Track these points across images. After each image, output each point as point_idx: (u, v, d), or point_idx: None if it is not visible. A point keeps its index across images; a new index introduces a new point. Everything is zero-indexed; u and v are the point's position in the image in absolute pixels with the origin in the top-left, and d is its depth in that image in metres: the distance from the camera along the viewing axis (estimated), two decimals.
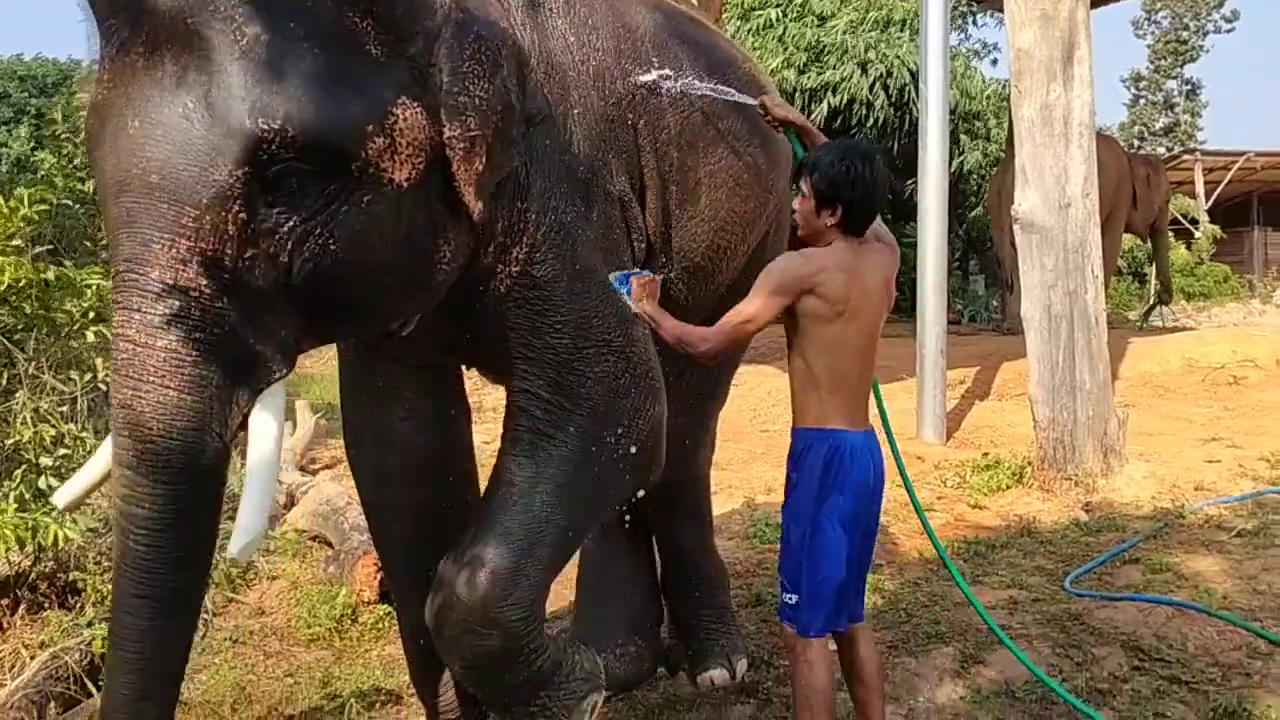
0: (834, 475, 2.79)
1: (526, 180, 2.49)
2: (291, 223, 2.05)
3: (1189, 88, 42.01)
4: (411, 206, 2.21)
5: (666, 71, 2.89)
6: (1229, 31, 41.49)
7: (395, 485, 2.94)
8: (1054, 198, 6.22)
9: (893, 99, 18.08)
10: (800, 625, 2.80)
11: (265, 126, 1.97)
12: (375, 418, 2.93)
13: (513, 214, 2.49)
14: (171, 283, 1.97)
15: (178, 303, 1.98)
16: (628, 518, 3.69)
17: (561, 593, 4.51)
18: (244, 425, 2.13)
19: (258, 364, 2.10)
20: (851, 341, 2.79)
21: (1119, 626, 3.89)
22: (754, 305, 2.75)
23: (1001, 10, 6.94)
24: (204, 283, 1.99)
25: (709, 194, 3.04)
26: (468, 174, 2.27)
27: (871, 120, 18.12)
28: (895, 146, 18.64)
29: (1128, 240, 16.39)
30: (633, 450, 2.70)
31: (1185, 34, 41.37)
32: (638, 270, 2.84)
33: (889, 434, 3.39)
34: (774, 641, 3.88)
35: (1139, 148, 33.03)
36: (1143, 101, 42.30)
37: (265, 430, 2.17)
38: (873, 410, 2.98)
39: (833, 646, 2.92)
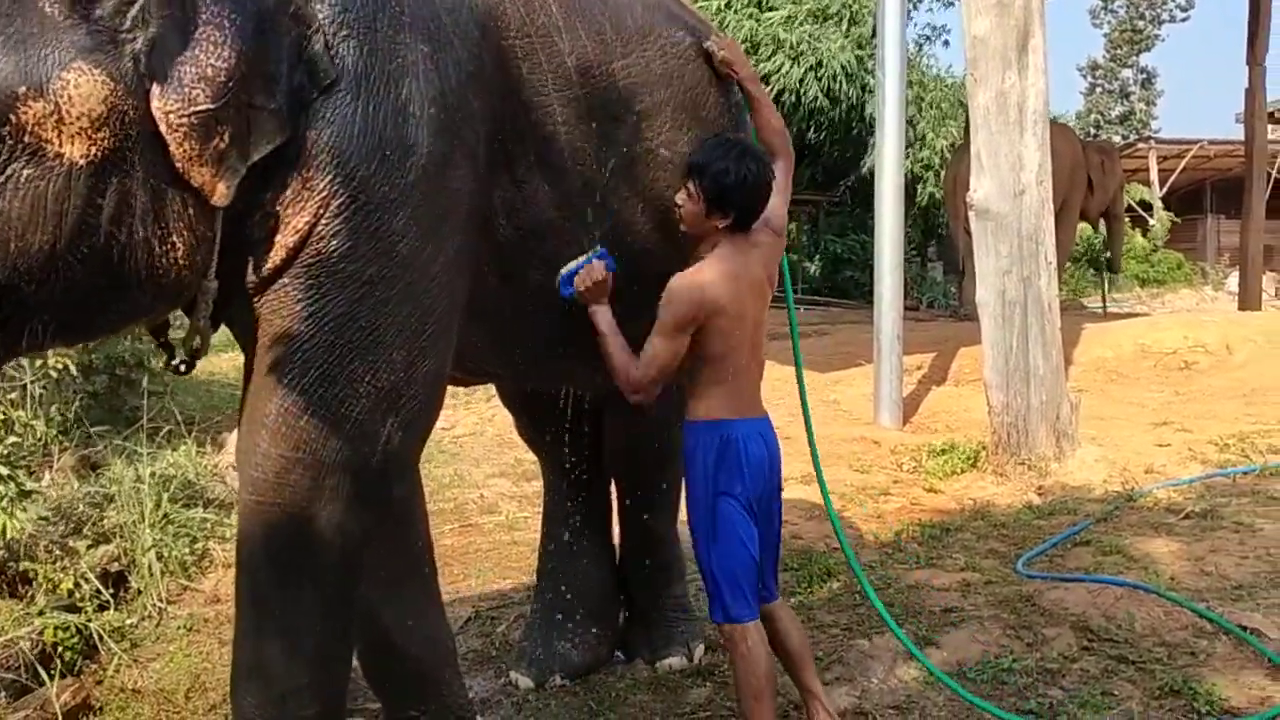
0: (726, 464, 2.80)
1: (317, 142, 2.18)
2: None
3: (1144, 76, 42.53)
4: (98, 188, 1.92)
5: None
6: (1184, 20, 42.01)
7: None
8: (1009, 185, 6.27)
9: (825, 90, 18.39)
10: (727, 613, 2.82)
11: None
12: None
13: (292, 180, 2.18)
14: None
15: None
16: (588, 504, 3.71)
17: (521, 580, 4.53)
18: None
19: None
20: (736, 336, 2.79)
21: (1069, 608, 3.94)
22: (663, 348, 2.75)
23: None
24: None
25: (649, 171, 2.90)
26: (199, 155, 2.01)
27: (801, 111, 18.45)
28: (835, 136, 19.01)
29: (1084, 228, 16.56)
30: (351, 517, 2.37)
31: (1141, 23, 41.83)
32: (594, 255, 2.74)
33: (807, 423, 3.47)
34: None
35: (1095, 136, 33.31)
36: (1099, 90, 42.72)
37: None
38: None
39: None
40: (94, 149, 1.90)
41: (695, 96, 3.01)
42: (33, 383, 4.51)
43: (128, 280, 2.03)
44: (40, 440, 5.28)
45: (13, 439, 4.36)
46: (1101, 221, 15.38)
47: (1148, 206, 24.13)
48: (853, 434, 7.23)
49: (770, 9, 18.95)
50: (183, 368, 2.36)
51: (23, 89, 1.83)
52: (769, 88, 18.14)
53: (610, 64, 2.76)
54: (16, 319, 1.96)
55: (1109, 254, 16.37)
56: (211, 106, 2.00)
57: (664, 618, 3.73)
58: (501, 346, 2.88)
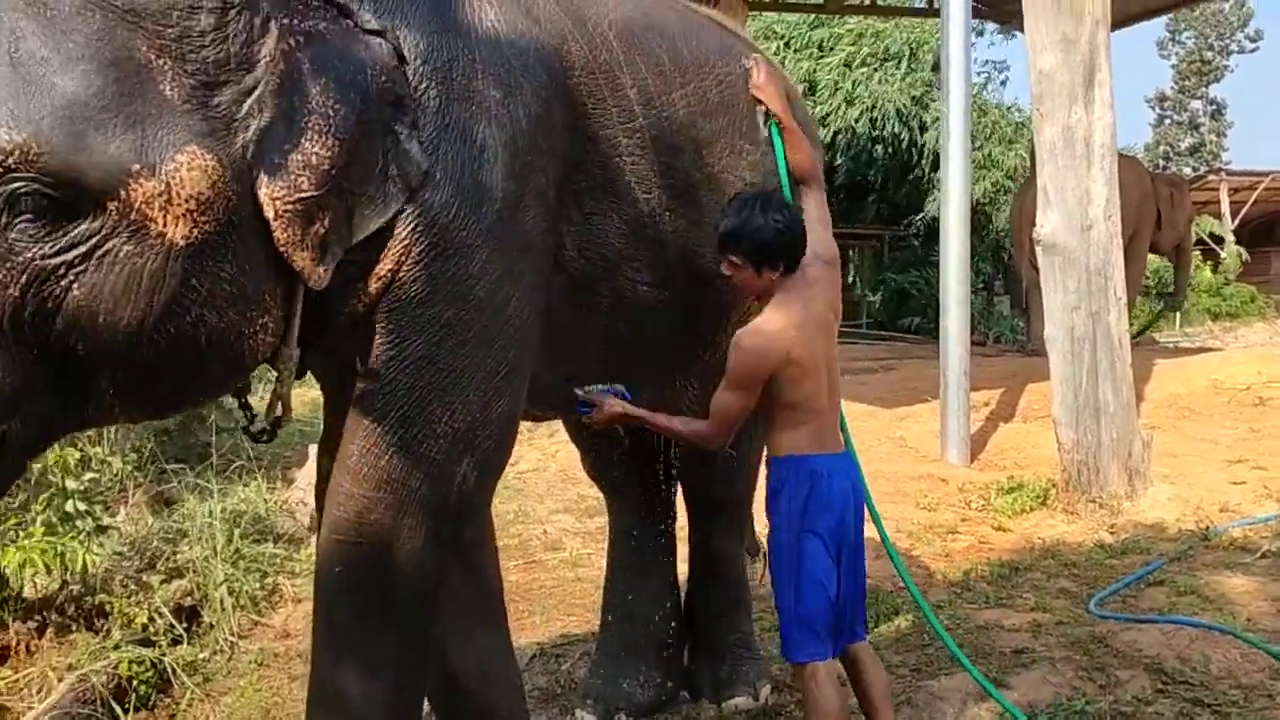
0: (813, 500, 2.79)
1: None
2: (30, 254, 1.83)
3: (1214, 108, 41.93)
4: (193, 270, 1.96)
5: None
6: (1253, 51, 41.48)
7: None
8: (1076, 219, 6.21)
9: (880, 131, 18.50)
10: (800, 653, 2.81)
11: (6, 137, 1.80)
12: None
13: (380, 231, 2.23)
14: None
15: None
16: (654, 540, 3.70)
17: (586, 618, 4.53)
18: None
19: None
20: (811, 379, 2.81)
21: (1143, 649, 3.86)
22: (734, 401, 2.80)
23: (1021, 28, 6.94)
24: None
25: (710, 197, 2.95)
26: (300, 240, 2.07)
27: (859, 151, 18.57)
28: (887, 178, 19.09)
29: (1154, 261, 16.33)
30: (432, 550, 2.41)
31: (1209, 54, 41.30)
32: (612, 390, 2.86)
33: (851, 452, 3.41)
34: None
35: (1164, 168, 32.89)
36: (1167, 122, 42.19)
37: None
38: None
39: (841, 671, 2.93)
40: (196, 231, 1.94)
41: (751, 122, 3.08)
42: None
43: (209, 360, 2.08)
44: (116, 476, 5.39)
45: (90, 475, 4.47)
46: (1172, 257, 15.13)
47: (1219, 240, 23.72)
48: (919, 471, 7.15)
49: (830, 51, 19.11)
50: (264, 435, 2.40)
51: (136, 166, 1.88)
52: (825, 129, 18.32)
53: (669, 94, 2.83)
54: (94, 391, 2.00)
55: (1173, 287, 16.10)
56: (315, 193, 2.06)
57: (730, 655, 3.70)
58: (571, 377, 2.90)
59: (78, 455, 4.42)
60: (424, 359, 2.30)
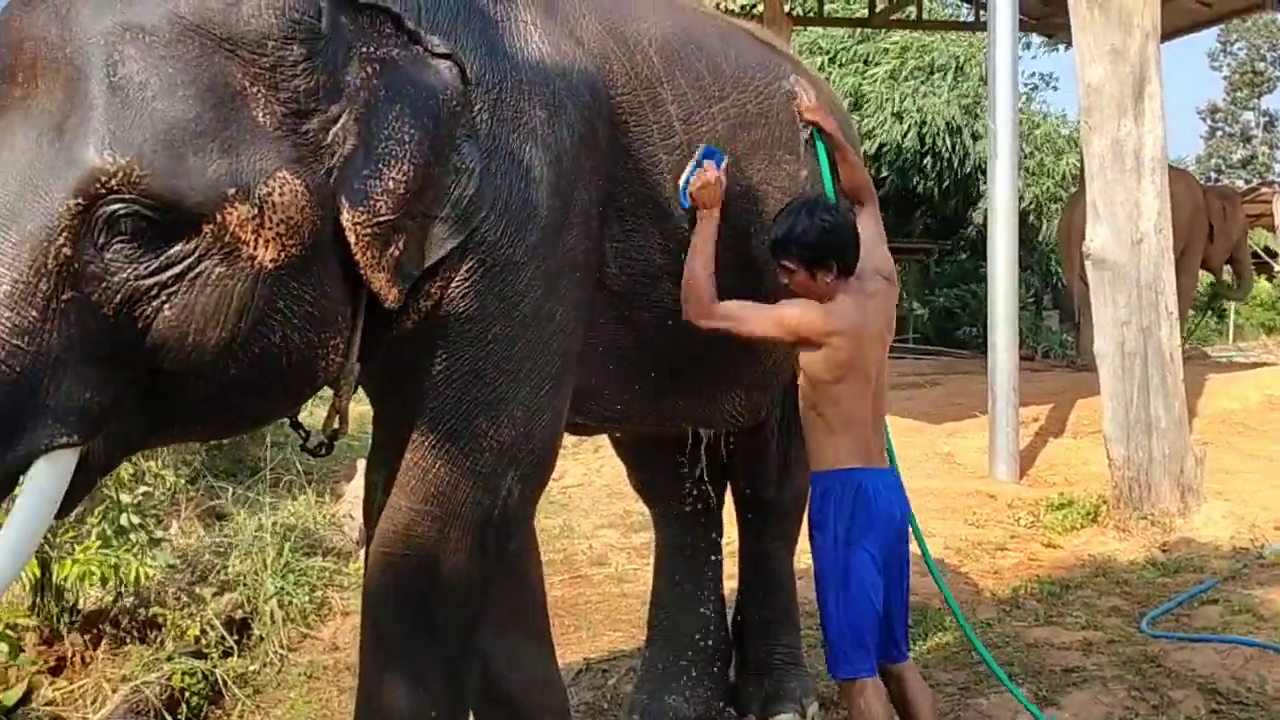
0: (858, 514, 2.79)
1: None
2: (125, 275, 1.88)
3: (1266, 119, 41.32)
4: (279, 292, 2.01)
5: None
6: None
7: None
8: (1126, 233, 6.15)
9: (928, 145, 18.41)
10: (847, 668, 2.80)
11: (110, 159, 1.83)
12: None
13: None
14: None
15: None
16: (701, 555, 3.70)
17: (632, 633, 4.53)
18: (4, 494, 1.91)
19: (42, 422, 1.85)
20: (859, 387, 2.82)
21: (1196, 669, 3.81)
22: (760, 325, 2.80)
23: (1068, 42, 6.90)
24: (5, 314, 1.80)
25: (751, 206, 2.97)
26: (378, 262, 2.12)
27: (906, 164, 18.49)
28: (929, 188, 18.98)
29: (1205, 275, 16.10)
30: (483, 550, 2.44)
31: (1262, 65, 40.73)
32: (702, 156, 2.74)
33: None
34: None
35: (1216, 181, 32.43)
36: (1219, 134, 41.65)
37: (43, 487, 1.90)
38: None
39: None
40: (283, 254, 1.99)
41: (791, 133, 3.10)
42: None
43: (288, 379, 2.13)
44: (169, 490, 5.47)
45: (143, 489, 4.54)
46: (1226, 268, 14.90)
47: (1272, 254, 23.33)
48: (968, 487, 7.09)
49: (875, 64, 19.06)
50: (322, 450, 2.44)
51: (231, 190, 1.93)
52: (872, 142, 18.27)
53: (709, 109, 2.85)
54: (177, 410, 2.05)
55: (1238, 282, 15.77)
56: (392, 217, 2.11)
57: (776, 669, 3.69)
58: (618, 390, 2.92)
59: (131, 469, 4.48)
60: (471, 374, 2.34)
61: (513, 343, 2.37)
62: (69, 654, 4.11)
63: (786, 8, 13.01)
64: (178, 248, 1.91)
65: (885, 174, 19.22)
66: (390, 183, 2.10)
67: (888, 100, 18.65)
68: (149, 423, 2.05)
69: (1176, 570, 5.20)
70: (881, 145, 18.57)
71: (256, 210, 1.95)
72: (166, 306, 1.91)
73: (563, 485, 7.76)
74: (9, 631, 3.78)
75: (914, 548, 2.96)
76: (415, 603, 2.41)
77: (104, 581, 4.04)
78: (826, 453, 2.85)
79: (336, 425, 2.39)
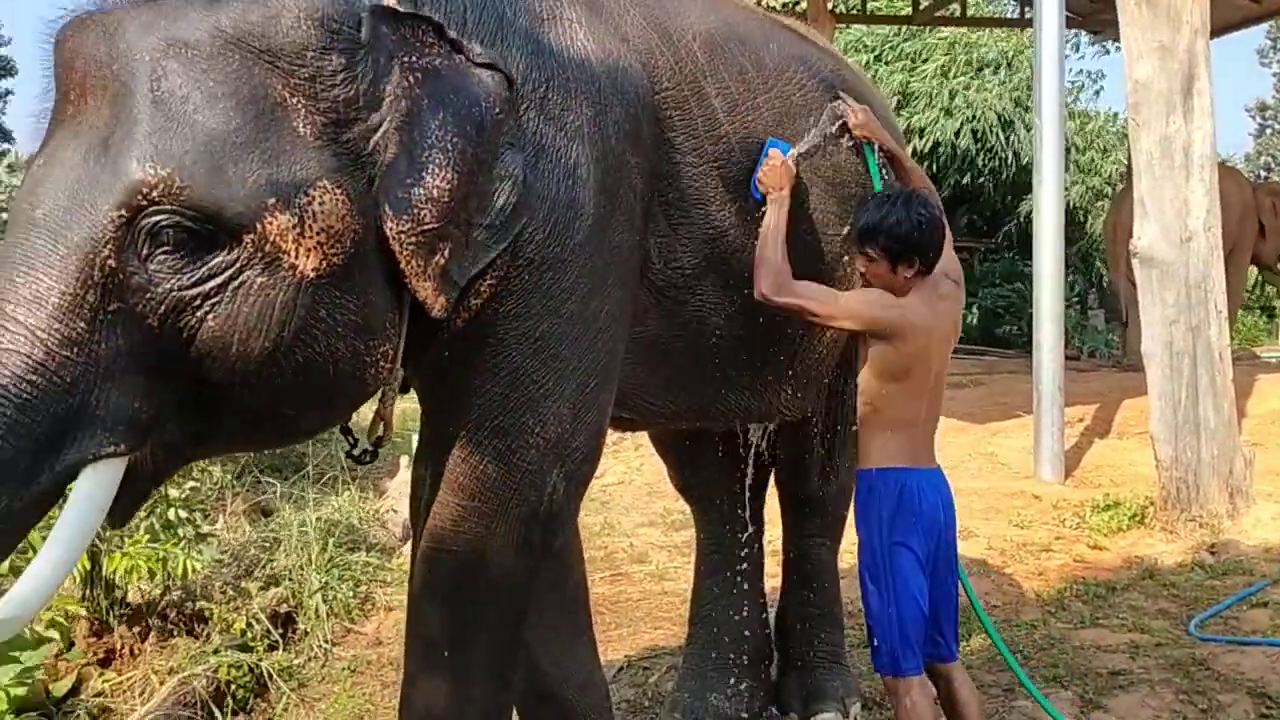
0: (903, 513, 2.77)
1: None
2: (168, 285, 1.91)
3: None
4: (321, 301, 2.03)
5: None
6: None
7: None
8: (1174, 231, 6.07)
9: (980, 141, 18.21)
10: (893, 666, 2.78)
11: (151, 171, 1.88)
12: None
13: None
14: (20, 318, 1.83)
15: (21, 338, 1.82)
16: (743, 553, 3.70)
17: (673, 631, 4.53)
18: (52, 502, 1.92)
19: (90, 431, 1.88)
20: (919, 386, 2.80)
21: (1246, 673, 3.76)
22: (833, 309, 2.78)
23: (1115, 39, 6.82)
24: (55, 325, 1.83)
25: (798, 194, 2.90)
26: (424, 270, 2.13)
27: (955, 164, 18.31)
28: (981, 185, 18.77)
29: (1255, 274, 15.86)
30: (533, 537, 2.45)
31: None
32: (767, 147, 2.77)
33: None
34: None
35: (1265, 179, 31.93)
36: (1269, 131, 40.99)
37: (90, 495, 1.92)
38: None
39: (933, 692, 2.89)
40: (325, 263, 2.01)
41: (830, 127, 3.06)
42: None
43: (334, 389, 2.15)
44: (216, 485, 5.54)
45: (191, 484, 4.59)
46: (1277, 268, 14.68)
47: None
48: (1012, 488, 7.03)
49: (923, 61, 18.92)
50: (367, 457, 2.46)
51: (271, 200, 1.96)
52: (923, 139, 18.11)
53: (754, 99, 2.85)
54: (224, 420, 2.08)
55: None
56: (436, 225, 2.12)
57: (818, 668, 3.67)
58: (663, 385, 2.92)
59: None
60: (518, 371, 2.35)
61: (559, 340, 2.38)
62: (118, 646, 4.18)
63: (829, 5, 12.95)
64: (219, 258, 1.94)
65: (937, 171, 19.07)
66: (435, 191, 2.11)
67: (938, 96, 18.49)
68: (196, 433, 2.08)
69: (1225, 573, 5.13)
70: (937, 143, 18.42)
71: (297, 219, 1.97)
72: (210, 317, 1.93)
73: (604, 483, 7.77)
74: (60, 623, 3.84)
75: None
76: (460, 598, 2.43)
77: (152, 575, 4.10)
78: (875, 450, 2.84)
79: (381, 431, 2.40)
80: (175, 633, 4.29)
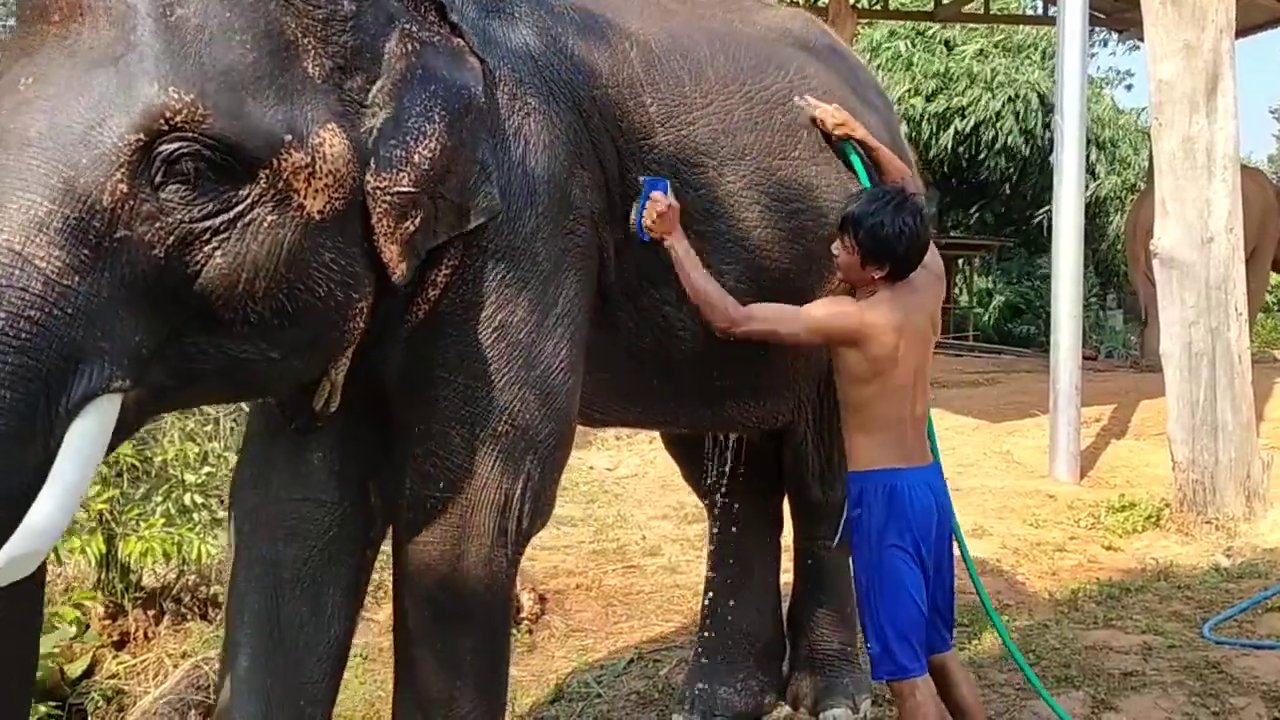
0: (894, 514, 2.76)
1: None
2: (179, 216, 1.86)
3: None
4: (321, 246, 2.03)
5: None
6: None
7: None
8: (1196, 232, 6.04)
9: (1021, 122, 18.10)
10: (895, 669, 2.78)
11: (175, 96, 1.81)
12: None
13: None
14: (16, 247, 1.73)
15: (17, 271, 1.73)
16: (754, 549, 3.69)
17: (684, 624, 4.54)
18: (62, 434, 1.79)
19: (97, 364, 1.80)
20: (899, 384, 2.77)
21: (1260, 676, 3.74)
22: (790, 325, 2.75)
23: (1140, 36, 6.78)
24: (56, 254, 1.75)
25: (737, 212, 2.85)
26: (393, 232, 2.12)
27: (998, 145, 18.18)
28: (1019, 173, 18.64)
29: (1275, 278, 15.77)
30: (512, 532, 2.45)
31: None
32: (646, 188, 2.63)
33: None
34: None
35: None
36: None
37: (92, 430, 1.82)
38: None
39: None
40: (329, 206, 2.01)
41: (784, 139, 2.96)
42: (225, 416, 4.77)
43: (317, 337, 2.13)
44: (231, 471, 5.54)
45: (207, 469, 4.60)
46: None
47: None
48: (1027, 487, 7.01)
49: (960, 44, 18.86)
50: (305, 426, 2.42)
51: (288, 137, 1.95)
52: (964, 120, 18.01)
53: (689, 114, 2.76)
54: (207, 360, 2.01)
55: None
56: (412, 190, 2.12)
57: (829, 665, 3.67)
58: (621, 394, 2.90)
59: (196, 450, 4.56)
60: (480, 361, 2.35)
61: (519, 329, 2.38)
62: (132, 629, 4.20)
63: (851, 2, 12.88)
64: (234, 192, 1.90)
65: (977, 153, 18.97)
66: (415, 157, 2.12)
67: (979, 75, 18.39)
68: (182, 373, 2.00)
69: (1240, 576, 5.11)
70: (978, 124, 18.33)
71: (310, 159, 1.97)
72: (219, 252, 1.90)
73: (617, 476, 7.78)
74: (75, 610, 3.86)
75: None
76: (443, 590, 2.43)
77: (167, 559, 4.12)
78: (861, 453, 2.83)
79: (327, 397, 2.33)
80: (189, 617, 4.31)
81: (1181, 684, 3.73)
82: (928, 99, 18.77)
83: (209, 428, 4.75)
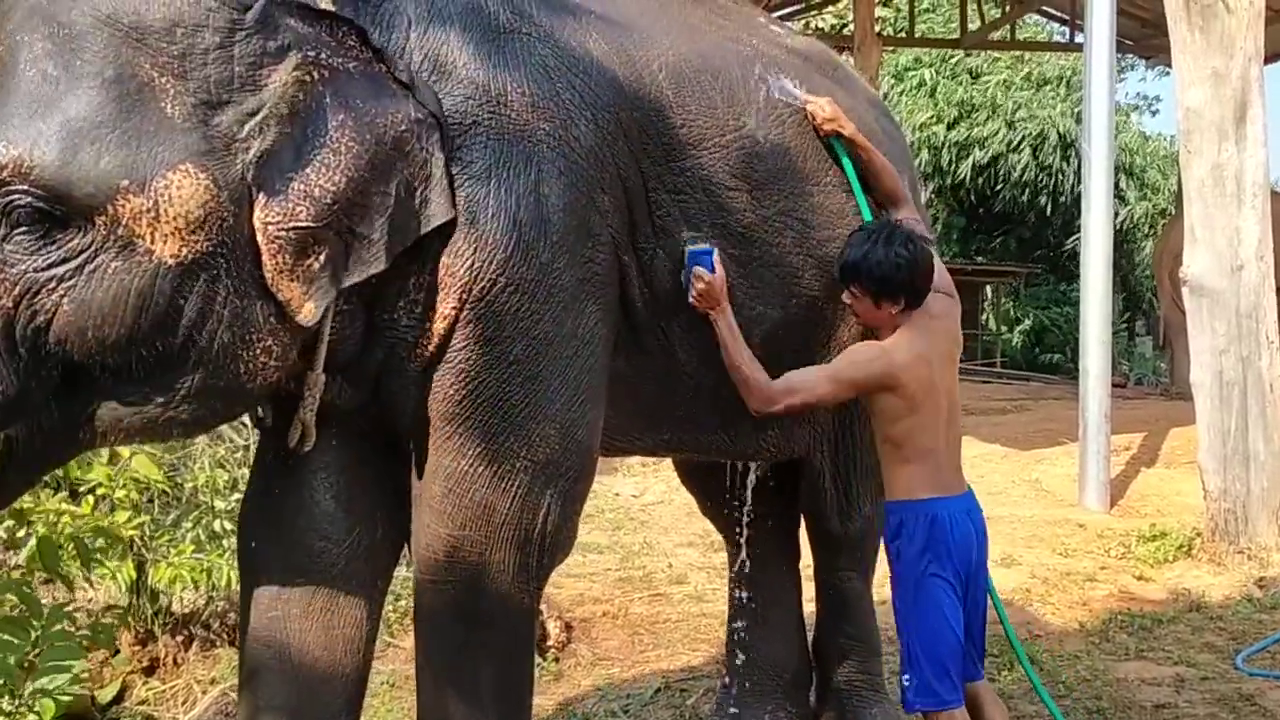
0: (934, 545, 2.75)
1: (456, 230, 2.26)
2: (23, 266, 1.90)
3: None
4: (182, 290, 1.98)
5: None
6: None
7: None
8: (1226, 260, 6.01)
9: (1038, 157, 18.12)
10: (933, 700, 2.76)
11: (3, 151, 1.87)
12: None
13: (436, 269, 2.26)
14: None
15: None
16: (776, 578, 3.68)
17: (712, 653, 4.52)
18: None
19: None
20: (930, 417, 2.76)
21: None
22: (824, 389, 2.75)
23: (1167, 64, 6.77)
24: None
25: (770, 238, 2.83)
26: (290, 269, 2.06)
27: (1014, 179, 18.23)
28: (1035, 205, 18.63)
29: None
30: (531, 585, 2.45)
31: None
32: (690, 259, 2.61)
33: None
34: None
35: None
36: None
37: None
38: None
39: None
40: (185, 250, 1.97)
41: (817, 165, 2.97)
42: (254, 443, 4.81)
43: (205, 382, 2.09)
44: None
45: (236, 496, 4.63)
46: None
47: None
48: (1056, 516, 6.95)
49: (985, 74, 18.91)
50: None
51: (125, 182, 1.93)
52: (983, 152, 18.01)
53: (722, 136, 2.75)
54: (94, 408, 2.05)
55: None
56: (311, 225, 2.07)
57: (855, 695, 3.63)
58: (628, 421, 2.84)
59: (226, 476, 4.59)
60: (496, 396, 2.33)
61: (536, 361, 2.35)
62: (162, 655, 4.21)
63: (877, 29, 12.93)
64: (74, 240, 1.92)
65: (994, 183, 18.97)
66: (316, 190, 2.07)
67: (1000, 108, 18.42)
68: (72, 418, 2.04)
69: (1273, 606, 5.06)
70: (996, 158, 18.35)
71: (152, 203, 1.93)
72: (65, 300, 1.92)
73: (643, 502, 7.77)
74: (104, 636, 3.88)
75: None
76: (464, 628, 2.41)
77: (196, 585, 4.14)
78: (900, 483, 2.82)
79: (299, 437, 2.33)
80: (218, 643, 4.32)
81: (1214, 716, 3.70)
82: (949, 126, 18.81)
83: (239, 454, 4.78)
